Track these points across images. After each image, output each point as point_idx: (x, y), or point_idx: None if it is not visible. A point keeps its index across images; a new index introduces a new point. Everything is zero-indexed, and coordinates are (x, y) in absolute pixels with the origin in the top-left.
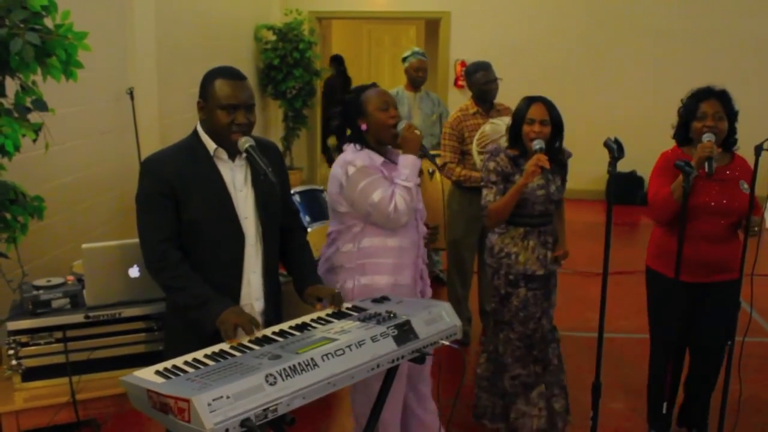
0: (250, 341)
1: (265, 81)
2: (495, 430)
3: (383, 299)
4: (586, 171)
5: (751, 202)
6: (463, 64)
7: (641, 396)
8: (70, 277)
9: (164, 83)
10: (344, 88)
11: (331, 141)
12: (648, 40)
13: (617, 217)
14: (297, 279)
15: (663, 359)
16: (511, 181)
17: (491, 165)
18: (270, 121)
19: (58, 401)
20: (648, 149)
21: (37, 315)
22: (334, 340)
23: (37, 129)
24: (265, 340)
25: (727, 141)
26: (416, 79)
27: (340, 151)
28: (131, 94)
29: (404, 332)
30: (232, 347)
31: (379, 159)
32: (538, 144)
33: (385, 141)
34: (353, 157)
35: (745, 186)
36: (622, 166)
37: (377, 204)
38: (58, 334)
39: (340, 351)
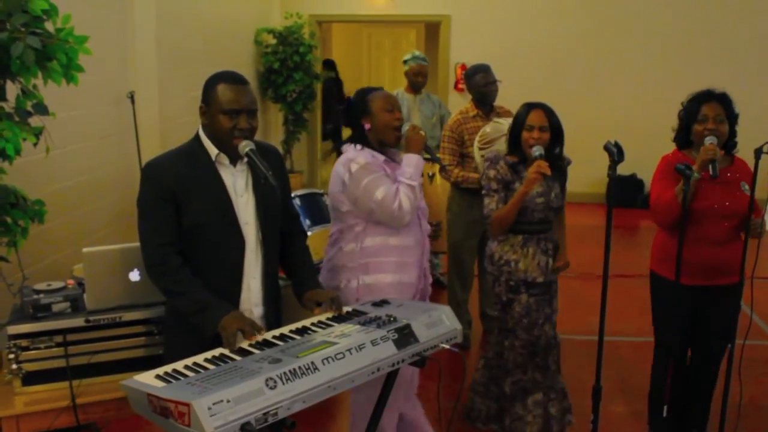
0: (250, 345)
1: (266, 84)
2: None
3: (383, 302)
4: (586, 174)
5: (750, 205)
6: (463, 67)
7: (642, 399)
8: (71, 281)
9: (165, 87)
10: (336, 92)
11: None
12: (647, 43)
13: (617, 220)
14: (296, 283)
15: (666, 362)
16: (511, 189)
17: (491, 173)
18: (270, 125)
19: (59, 405)
20: (648, 152)
21: (37, 319)
22: (334, 343)
23: (37, 133)
24: (266, 344)
25: (728, 144)
26: (416, 84)
27: (338, 153)
28: (132, 97)
29: (404, 336)
30: (232, 351)
31: (380, 157)
32: (537, 150)
33: (388, 142)
34: (355, 155)
35: (746, 187)
36: (623, 169)
37: (381, 201)
38: (59, 338)
39: (340, 355)
